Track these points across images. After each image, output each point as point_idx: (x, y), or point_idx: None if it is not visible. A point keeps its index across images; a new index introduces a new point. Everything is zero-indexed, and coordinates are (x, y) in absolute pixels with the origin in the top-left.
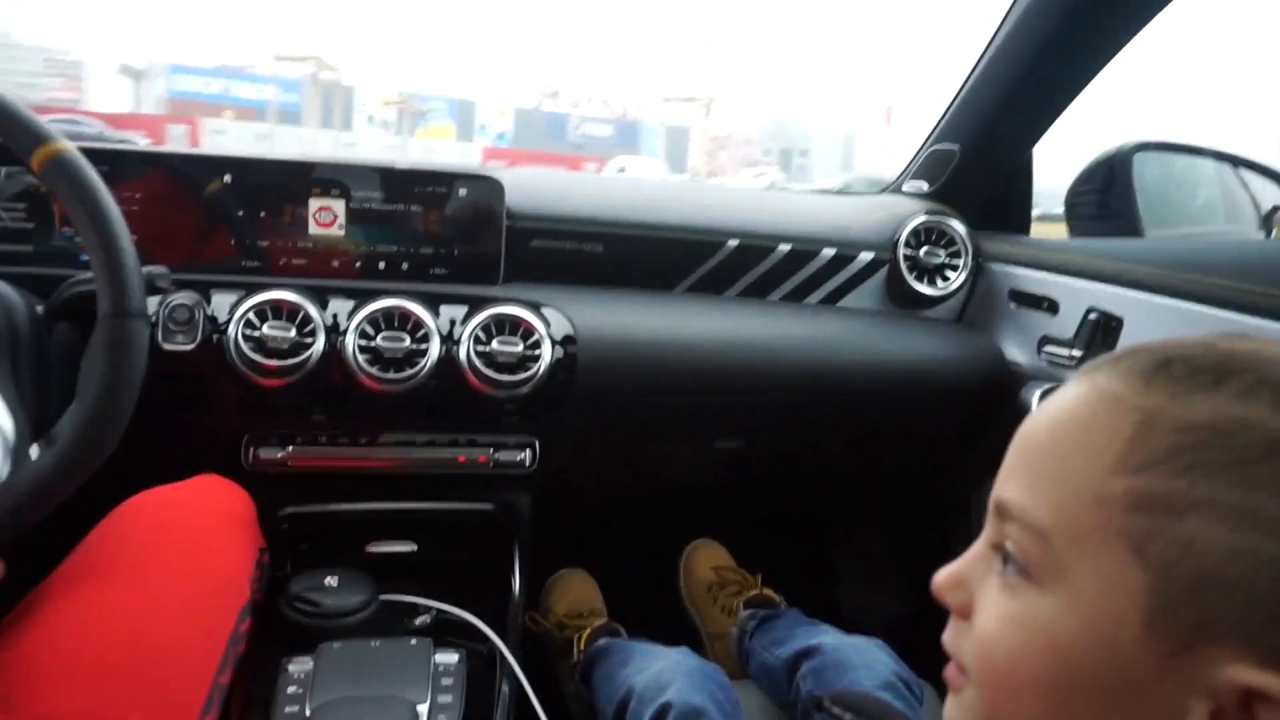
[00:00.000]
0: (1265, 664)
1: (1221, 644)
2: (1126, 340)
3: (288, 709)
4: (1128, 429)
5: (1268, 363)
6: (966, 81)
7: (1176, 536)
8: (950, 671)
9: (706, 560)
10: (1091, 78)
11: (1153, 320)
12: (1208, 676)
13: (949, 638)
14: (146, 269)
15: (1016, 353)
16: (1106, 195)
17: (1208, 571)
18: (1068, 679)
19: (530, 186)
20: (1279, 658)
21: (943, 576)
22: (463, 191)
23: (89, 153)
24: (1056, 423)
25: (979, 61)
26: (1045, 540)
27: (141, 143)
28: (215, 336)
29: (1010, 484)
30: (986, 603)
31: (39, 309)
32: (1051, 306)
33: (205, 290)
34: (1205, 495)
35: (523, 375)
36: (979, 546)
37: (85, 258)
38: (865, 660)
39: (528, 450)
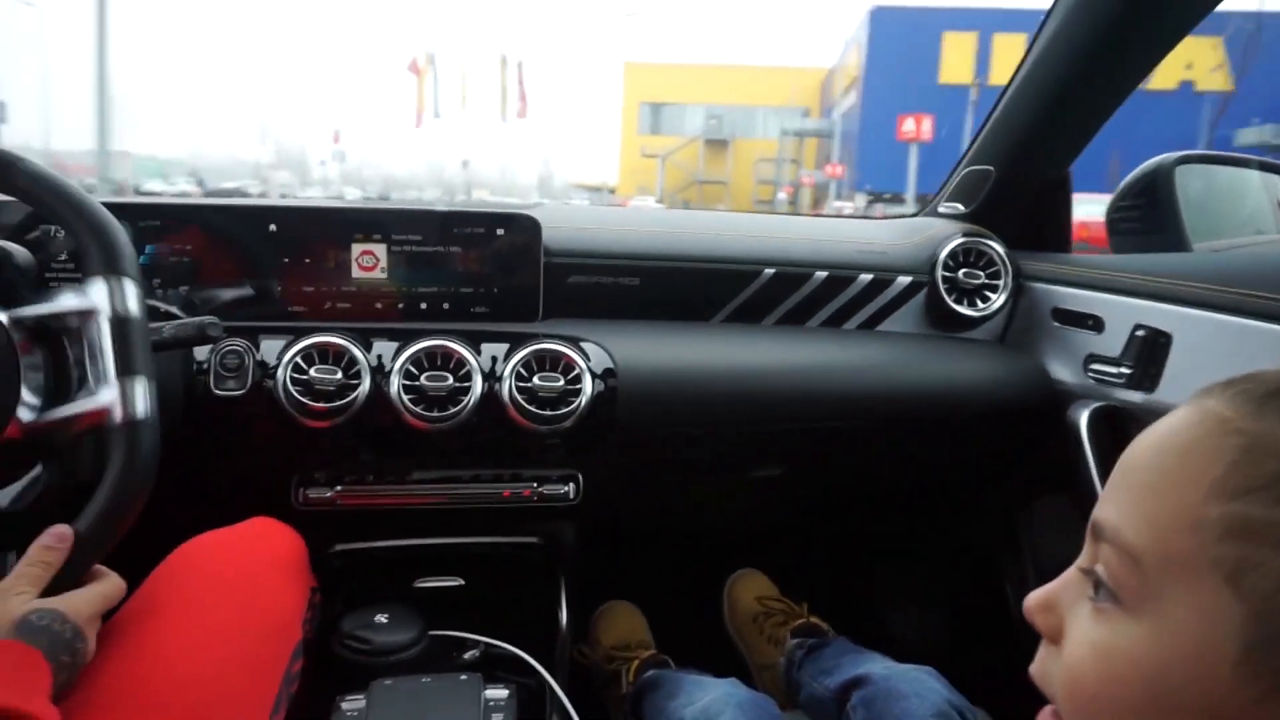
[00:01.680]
0: None
1: None
2: (1177, 356)
3: None
4: (1231, 453)
5: None
6: (998, 104)
7: (1274, 568)
8: (1045, 715)
9: (750, 590)
10: (1126, 95)
11: (1202, 336)
12: None
13: (1037, 666)
14: (197, 319)
15: (1062, 372)
16: (1149, 210)
17: None
18: (1156, 712)
19: (567, 223)
20: None
21: (1034, 599)
22: (500, 231)
23: (138, 208)
24: (1159, 445)
25: (1010, 83)
26: (1137, 564)
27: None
28: (265, 381)
29: (1108, 505)
30: (1076, 628)
31: None
32: (1097, 324)
33: (254, 337)
34: None
35: (564, 410)
36: (1072, 570)
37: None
38: (916, 689)
39: (571, 483)
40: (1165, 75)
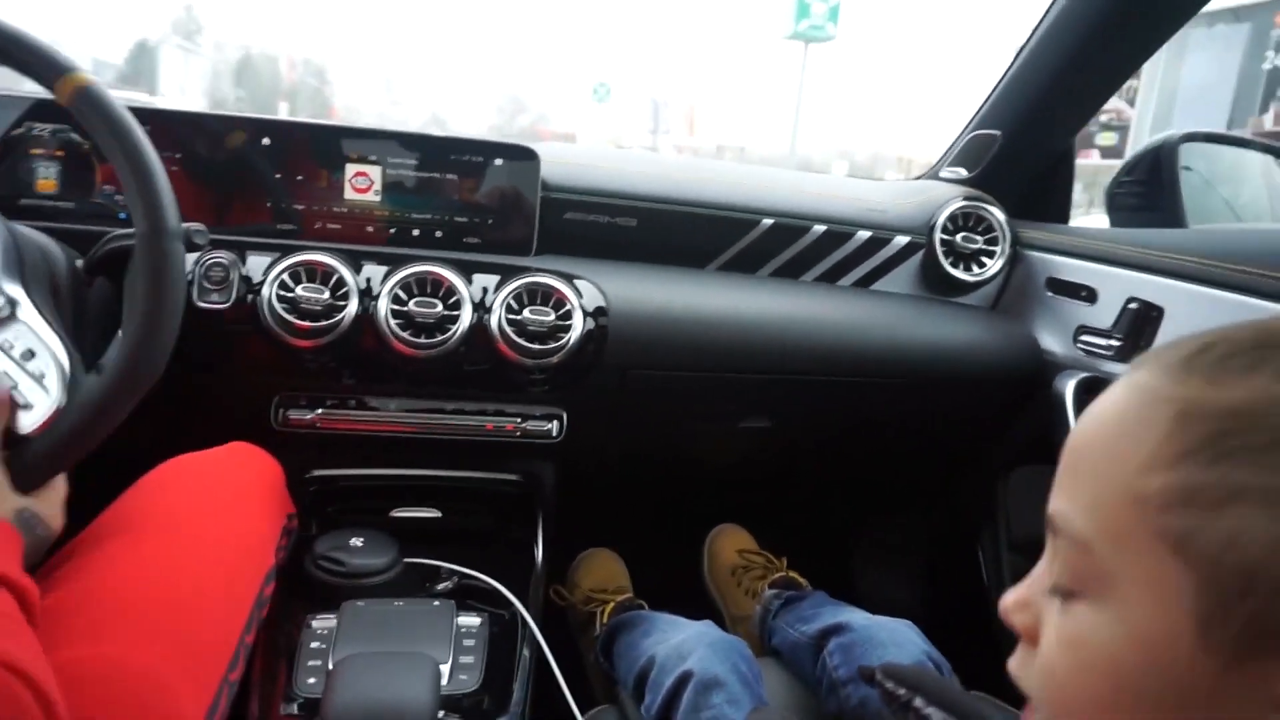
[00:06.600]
0: None
1: None
2: (1168, 330)
3: (311, 662)
4: (1163, 423)
5: None
6: (1010, 67)
7: (1216, 531)
8: (1026, 714)
9: (731, 544)
10: (1138, 65)
11: (1194, 310)
12: (1274, 686)
13: (1015, 664)
14: (184, 225)
15: (1051, 342)
16: (1150, 187)
17: (1254, 566)
18: (1128, 698)
19: (566, 159)
20: None
21: (1009, 599)
22: (499, 162)
23: (131, 110)
24: (1094, 426)
25: (1024, 47)
26: (1088, 550)
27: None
28: (249, 296)
29: (1058, 495)
30: (1047, 624)
31: (78, 263)
32: (1090, 295)
33: (240, 250)
34: (1242, 482)
35: (553, 345)
36: (1041, 566)
37: (125, 215)
38: (895, 639)
39: (555, 421)
40: None
